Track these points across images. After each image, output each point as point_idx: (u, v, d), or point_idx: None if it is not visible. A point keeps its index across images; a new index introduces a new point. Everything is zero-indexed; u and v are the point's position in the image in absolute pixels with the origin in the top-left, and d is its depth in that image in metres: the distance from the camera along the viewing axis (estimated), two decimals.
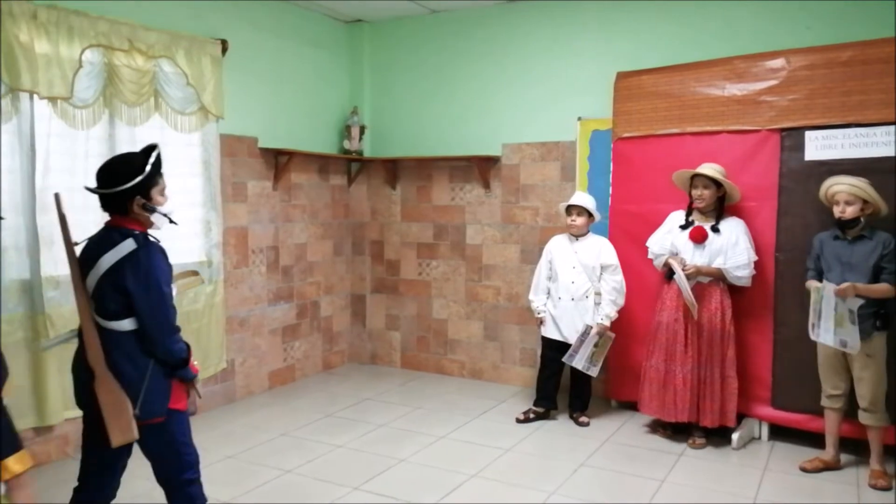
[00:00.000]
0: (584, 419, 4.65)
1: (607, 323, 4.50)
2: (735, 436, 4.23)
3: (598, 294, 4.53)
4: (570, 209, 4.59)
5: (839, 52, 4.07)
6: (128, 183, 2.43)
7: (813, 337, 3.78)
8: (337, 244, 6.09)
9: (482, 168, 5.58)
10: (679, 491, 3.67)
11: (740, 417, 4.35)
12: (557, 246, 4.69)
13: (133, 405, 2.42)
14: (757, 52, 4.36)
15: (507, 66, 5.50)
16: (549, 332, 4.65)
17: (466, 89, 5.69)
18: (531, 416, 4.73)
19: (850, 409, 3.84)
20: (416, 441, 4.32)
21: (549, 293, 4.68)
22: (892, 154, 3.91)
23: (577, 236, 4.61)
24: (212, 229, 4.78)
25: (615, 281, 4.53)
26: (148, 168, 2.46)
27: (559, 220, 5.22)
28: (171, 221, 2.60)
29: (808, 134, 4.15)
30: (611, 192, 4.90)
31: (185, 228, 4.62)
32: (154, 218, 2.55)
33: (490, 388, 5.52)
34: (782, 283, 4.23)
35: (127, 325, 2.46)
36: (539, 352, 4.88)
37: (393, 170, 6.01)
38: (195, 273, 3.11)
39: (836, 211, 3.72)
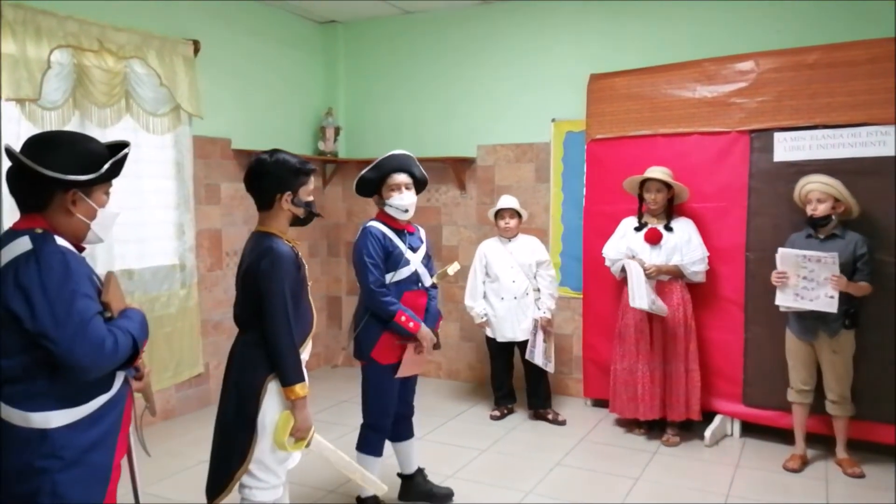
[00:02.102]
0: (561, 417, 4.70)
1: (550, 315, 4.67)
2: (708, 433, 4.30)
3: (535, 290, 4.69)
4: (502, 213, 4.70)
5: (805, 55, 4.15)
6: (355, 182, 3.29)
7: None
8: (312, 246, 6.06)
9: (457, 169, 5.60)
10: (653, 488, 3.71)
11: (712, 415, 4.42)
12: (491, 249, 4.79)
13: (348, 342, 3.30)
14: (726, 55, 4.42)
15: (481, 67, 5.52)
16: (496, 333, 4.74)
17: (441, 91, 5.70)
18: (505, 412, 4.86)
19: (815, 404, 3.93)
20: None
21: (485, 296, 4.77)
22: (858, 155, 3.99)
23: (509, 238, 4.74)
24: (185, 232, 4.73)
25: (550, 275, 4.74)
26: (365, 171, 3.24)
27: (533, 221, 5.27)
28: (405, 211, 3.24)
29: (777, 135, 4.22)
30: (585, 192, 4.94)
31: (157, 231, 4.58)
32: (387, 209, 3.25)
33: (466, 388, 5.54)
34: (753, 282, 4.29)
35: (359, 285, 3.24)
36: (487, 354, 4.99)
37: None
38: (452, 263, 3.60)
39: (809, 209, 3.80)
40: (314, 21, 5.98)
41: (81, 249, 1.95)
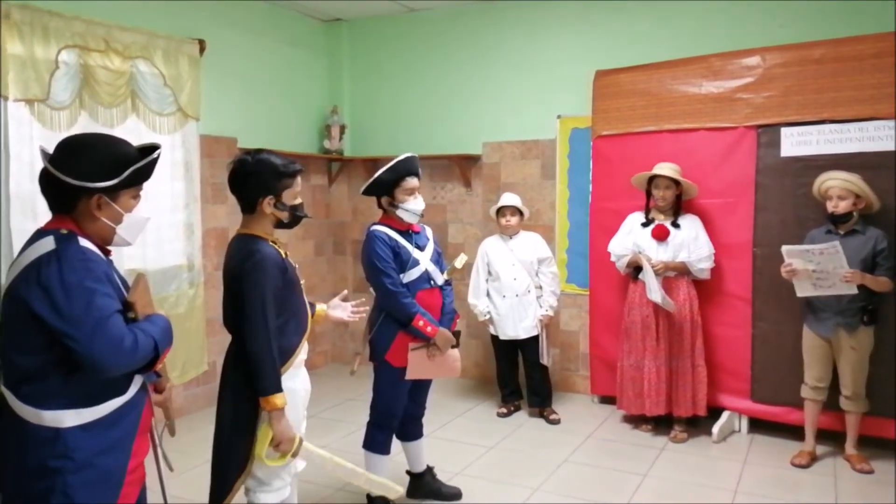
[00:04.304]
0: (554, 416, 4.69)
1: (552, 313, 4.69)
2: (715, 429, 4.29)
3: (538, 288, 4.67)
4: (503, 210, 4.70)
5: (811, 50, 4.13)
6: (367, 184, 3.20)
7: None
8: (318, 244, 6.08)
9: (463, 167, 5.60)
10: (661, 485, 3.71)
11: (720, 411, 4.41)
12: (492, 247, 4.78)
13: (363, 346, 3.26)
14: (732, 50, 4.41)
15: (486, 64, 5.51)
16: (499, 330, 4.74)
17: (447, 88, 5.70)
18: (511, 409, 4.86)
19: (826, 400, 3.92)
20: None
21: (487, 294, 4.77)
22: (865, 150, 3.97)
23: (510, 235, 4.73)
24: (194, 232, 4.74)
25: (552, 272, 4.72)
26: (381, 172, 3.17)
27: (539, 217, 5.26)
28: (420, 215, 3.23)
29: (784, 130, 4.21)
30: (591, 189, 4.93)
31: (167, 231, 4.59)
32: (399, 213, 3.19)
33: (473, 385, 5.54)
34: (760, 278, 4.28)
35: (373, 290, 3.22)
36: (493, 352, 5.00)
37: (374, 169, 5.87)
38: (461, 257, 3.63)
39: (829, 206, 3.77)
40: (319, 19, 5.99)
41: (108, 252, 1.96)
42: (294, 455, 2.46)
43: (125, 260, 4.26)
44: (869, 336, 3.79)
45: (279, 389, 2.36)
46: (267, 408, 2.35)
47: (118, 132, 4.14)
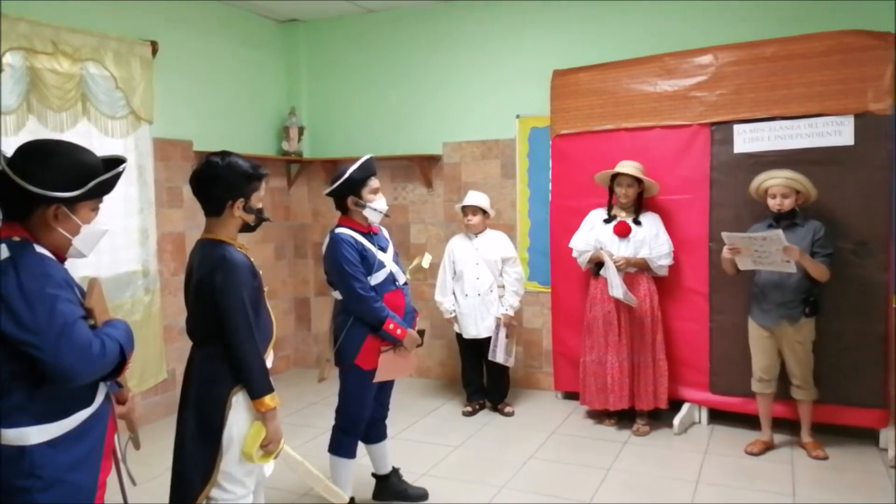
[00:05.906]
0: (508, 409, 4.77)
1: (513, 313, 4.69)
2: (676, 421, 4.37)
3: (500, 287, 4.70)
4: (465, 210, 4.73)
5: (763, 48, 4.23)
6: (337, 183, 3.13)
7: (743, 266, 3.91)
8: (278, 247, 6.00)
9: (424, 167, 5.59)
10: (625, 477, 3.76)
11: (680, 403, 4.49)
12: (458, 246, 4.82)
13: (331, 352, 3.23)
14: (686, 49, 4.49)
15: (445, 65, 5.52)
16: (462, 329, 4.79)
17: (406, 88, 5.68)
18: (476, 407, 4.89)
19: (779, 390, 4.02)
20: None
21: (453, 292, 4.80)
22: (815, 145, 4.08)
23: (475, 234, 4.75)
24: (148, 237, 4.64)
25: (516, 272, 4.74)
26: (352, 170, 3.11)
27: (500, 217, 5.29)
28: (385, 215, 3.22)
29: (737, 127, 4.30)
30: (551, 188, 4.97)
31: (121, 237, 4.48)
32: (366, 212, 3.16)
33: (437, 385, 5.54)
34: (716, 272, 4.36)
35: (337, 294, 3.20)
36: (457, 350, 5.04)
37: (333, 170, 5.94)
38: (423, 256, 3.68)
39: (773, 205, 3.86)
40: (275, 20, 5.92)
41: (62, 262, 1.90)
42: (275, 457, 2.48)
43: (78, 267, 4.14)
44: (810, 327, 3.91)
45: (271, 390, 2.40)
46: (262, 410, 2.37)
47: (68, 136, 4.02)
